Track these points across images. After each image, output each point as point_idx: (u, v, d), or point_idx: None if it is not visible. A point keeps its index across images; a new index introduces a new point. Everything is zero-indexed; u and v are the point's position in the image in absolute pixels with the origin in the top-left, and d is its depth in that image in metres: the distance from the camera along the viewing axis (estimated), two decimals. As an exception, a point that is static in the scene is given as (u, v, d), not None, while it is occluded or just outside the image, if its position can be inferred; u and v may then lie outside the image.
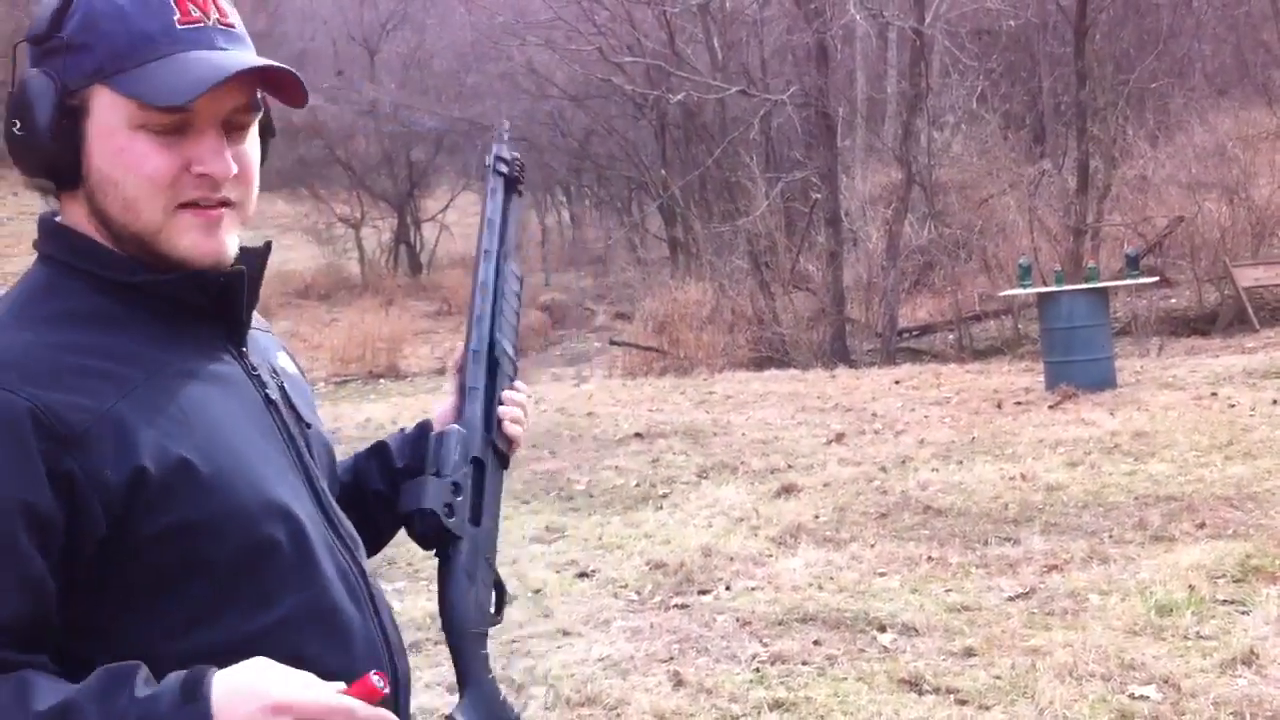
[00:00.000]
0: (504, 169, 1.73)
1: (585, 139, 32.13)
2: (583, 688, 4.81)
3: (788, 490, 8.32)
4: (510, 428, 1.65)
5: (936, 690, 4.55)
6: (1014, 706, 4.32)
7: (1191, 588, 5.44)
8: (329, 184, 32.57)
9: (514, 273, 1.69)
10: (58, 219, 1.34)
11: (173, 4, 1.31)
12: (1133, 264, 12.81)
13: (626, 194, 34.08)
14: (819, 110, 20.32)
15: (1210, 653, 4.68)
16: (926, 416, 11.09)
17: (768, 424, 11.42)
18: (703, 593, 6.14)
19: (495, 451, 1.60)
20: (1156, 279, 16.74)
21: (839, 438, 10.30)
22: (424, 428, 1.69)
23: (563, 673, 5.03)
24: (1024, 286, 12.86)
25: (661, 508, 8.27)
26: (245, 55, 1.35)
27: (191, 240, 1.32)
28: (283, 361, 1.54)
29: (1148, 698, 4.31)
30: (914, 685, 4.60)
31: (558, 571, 6.72)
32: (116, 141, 1.30)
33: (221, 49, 1.32)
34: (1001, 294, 17.52)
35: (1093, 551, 6.22)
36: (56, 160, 1.29)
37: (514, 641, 5.48)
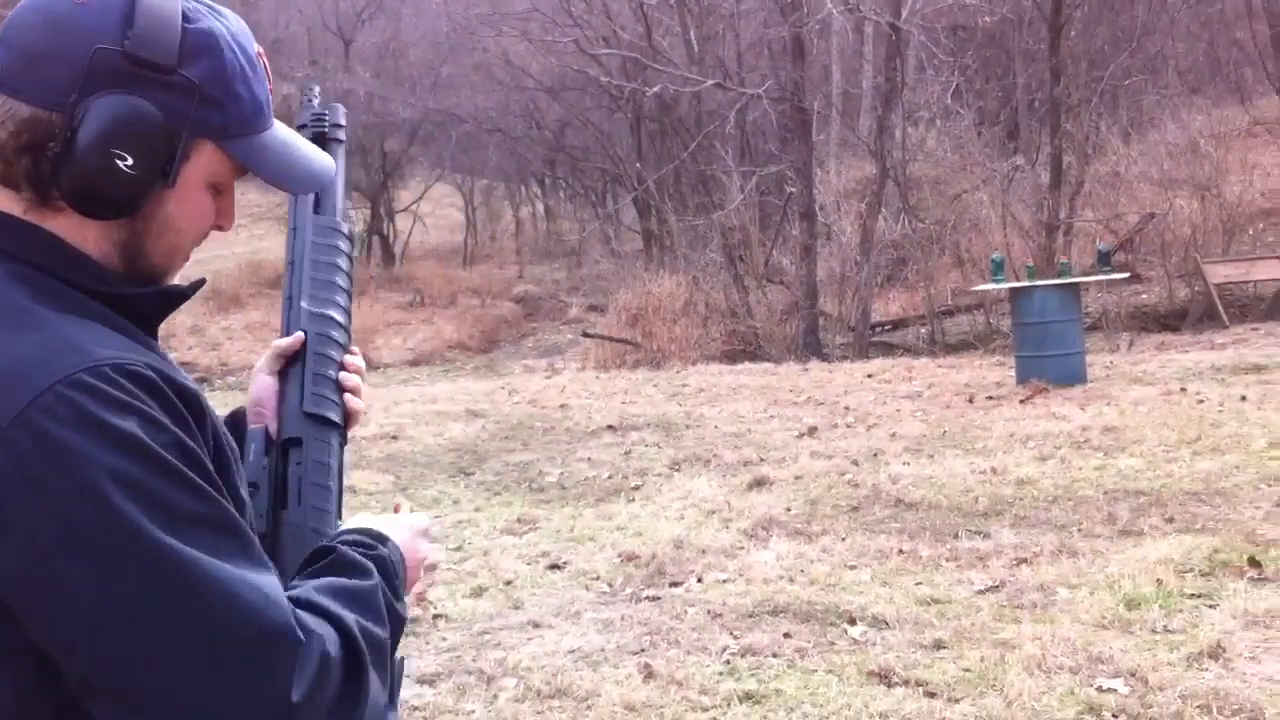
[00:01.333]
0: (307, 133, 1.59)
1: (560, 131, 32.09)
2: (553, 679, 4.80)
3: (759, 483, 8.33)
4: (350, 400, 1.52)
5: (906, 683, 4.56)
6: (983, 699, 4.33)
7: (1159, 582, 5.47)
8: (302, 174, 32.45)
9: (334, 230, 1.58)
10: (42, 227, 1.22)
11: (266, 75, 1.33)
12: (1104, 260, 12.88)
13: (601, 186, 34.05)
14: (794, 104, 20.35)
15: (1177, 646, 4.71)
16: (898, 410, 11.12)
17: (740, 417, 11.43)
18: (674, 585, 6.13)
19: (319, 422, 1.47)
20: (1128, 275, 16.84)
21: (811, 431, 10.32)
22: (236, 418, 1.56)
23: (533, 664, 5.02)
24: (996, 281, 12.92)
25: (633, 500, 8.27)
26: (300, 136, 1.40)
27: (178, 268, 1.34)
28: None
29: (1115, 691, 4.33)
30: (884, 678, 4.61)
31: (529, 563, 6.71)
32: (195, 196, 1.29)
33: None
34: (974, 289, 17.61)
35: (1062, 545, 6.25)
36: (133, 196, 1.22)
37: (484, 633, 5.47)
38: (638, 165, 26.36)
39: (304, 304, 1.52)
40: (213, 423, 1.24)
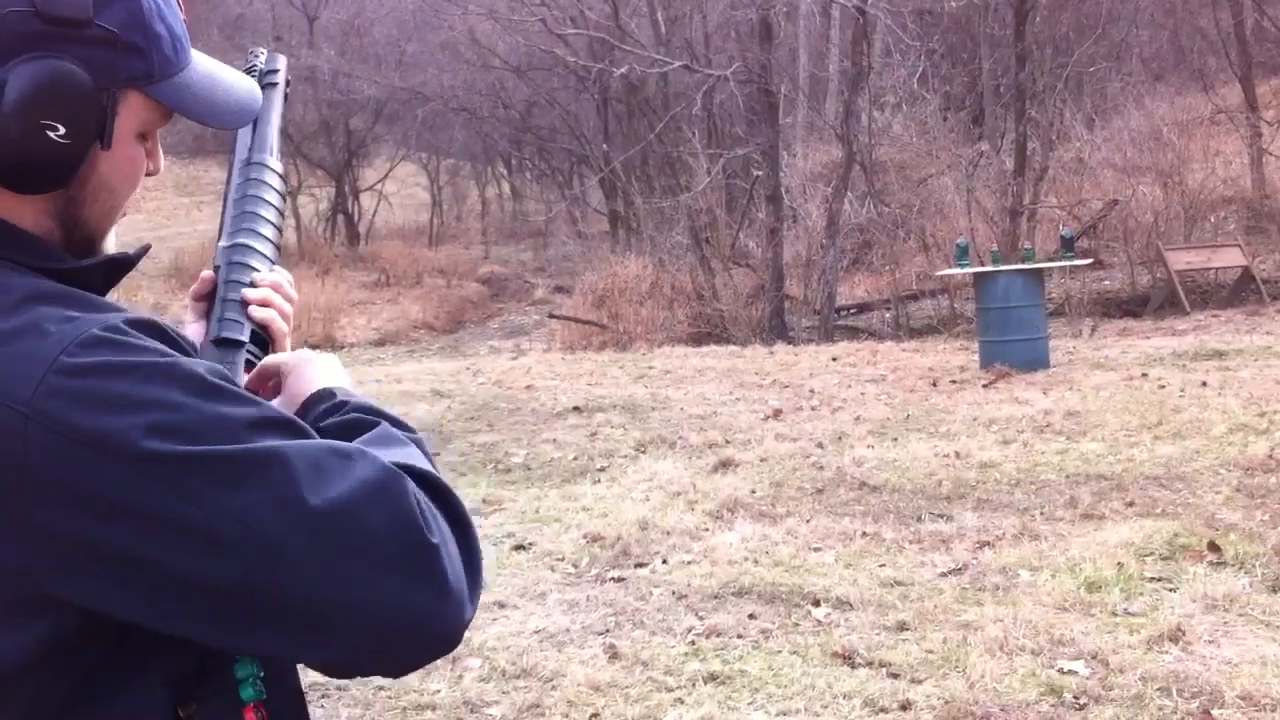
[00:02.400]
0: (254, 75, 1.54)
1: (527, 111, 31.98)
2: (518, 659, 4.81)
3: (725, 465, 8.35)
4: (256, 312, 1.39)
5: (869, 664, 4.59)
6: (945, 680, 4.37)
7: (1120, 565, 5.53)
8: (266, 151, 32.19)
9: (261, 165, 1.51)
10: None
11: (179, 3, 1.24)
12: (1067, 246, 12.96)
13: (568, 167, 33.96)
14: (761, 87, 20.36)
15: (1138, 629, 4.76)
16: (863, 394, 11.17)
17: (706, 399, 11.45)
18: (639, 566, 6.15)
19: (223, 345, 1.36)
20: (1090, 261, 16.95)
21: (776, 414, 10.35)
22: None
23: (499, 644, 5.02)
24: (961, 266, 12.98)
25: (599, 481, 8.27)
26: (223, 65, 1.30)
27: (113, 232, 1.26)
28: None
29: (1076, 673, 4.37)
30: (847, 659, 4.64)
31: (495, 544, 6.70)
32: (127, 151, 1.20)
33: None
34: (939, 273, 17.68)
35: (1024, 528, 6.30)
36: (67, 163, 1.14)
37: (449, 613, 5.47)
38: (604, 146, 26.31)
39: (220, 242, 1.45)
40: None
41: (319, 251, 31.26)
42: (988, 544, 6.11)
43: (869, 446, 8.71)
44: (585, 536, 6.69)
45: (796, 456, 8.51)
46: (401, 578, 1.04)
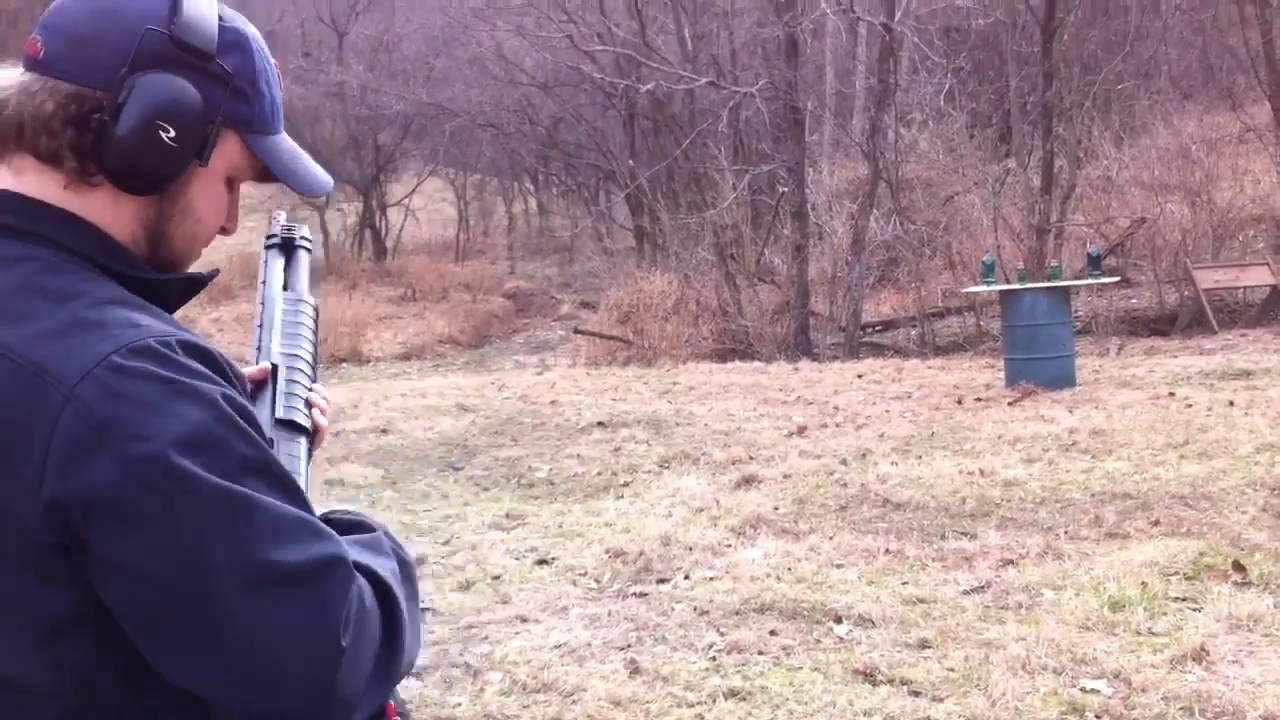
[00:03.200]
0: (275, 241, 1.79)
1: (554, 127, 32.07)
2: (539, 674, 4.81)
3: (748, 481, 8.35)
4: (316, 415, 1.58)
5: (891, 681, 4.58)
6: (966, 698, 4.35)
7: (1144, 584, 5.50)
8: (295, 166, 32.38)
9: (301, 301, 1.73)
10: (81, 218, 1.28)
11: (280, 82, 1.43)
12: (1094, 263, 12.91)
13: (594, 183, 34.04)
14: (788, 104, 20.38)
15: (1161, 649, 4.74)
16: (887, 411, 11.14)
17: (730, 415, 11.45)
18: (661, 581, 6.15)
19: (289, 426, 1.54)
20: (1117, 279, 16.89)
21: (800, 430, 10.34)
22: None
23: (519, 658, 5.03)
24: (987, 284, 12.95)
25: (622, 497, 8.28)
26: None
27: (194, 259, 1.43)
28: None
29: (1099, 692, 4.35)
30: (868, 676, 4.63)
31: (517, 558, 6.72)
32: (217, 186, 1.37)
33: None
34: (964, 291, 17.65)
35: (1048, 547, 6.28)
36: (158, 172, 1.29)
37: (471, 627, 5.48)
38: (630, 162, 26.35)
39: (274, 347, 1.63)
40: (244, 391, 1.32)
41: (346, 266, 31.44)
42: (1011, 562, 6.09)
43: (893, 464, 8.69)
44: (608, 551, 6.70)
45: (820, 473, 8.50)
46: (298, 660, 1.15)
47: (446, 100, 30.98)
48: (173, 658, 1.15)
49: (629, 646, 5.16)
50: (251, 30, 1.37)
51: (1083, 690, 4.37)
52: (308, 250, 1.80)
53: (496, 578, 6.33)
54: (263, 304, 1.70)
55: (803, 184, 20.12)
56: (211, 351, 1.23)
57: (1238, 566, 5.68)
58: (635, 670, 4.81)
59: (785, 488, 8.14)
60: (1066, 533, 6.59)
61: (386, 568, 1.29)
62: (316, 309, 1.75)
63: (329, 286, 26.79)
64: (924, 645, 4.97)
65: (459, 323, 26.68)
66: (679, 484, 8.42)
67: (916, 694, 4.45)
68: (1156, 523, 6.63)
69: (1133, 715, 4.14)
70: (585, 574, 6.36)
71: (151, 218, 1.32)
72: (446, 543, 7.14)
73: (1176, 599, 5.37)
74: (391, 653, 1.24)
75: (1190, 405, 10.06)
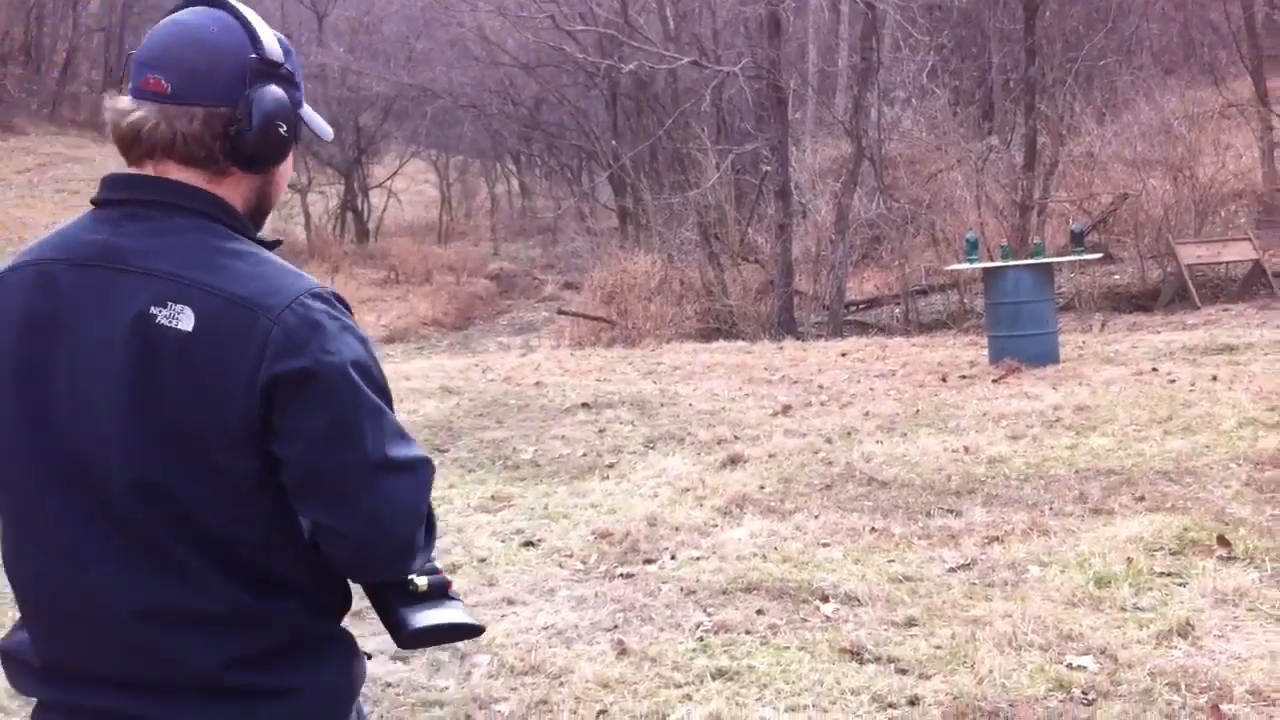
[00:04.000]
0: None
1: (536, 107, 31.99)
2: (527, 656, 4.81)
3: (733, 461, 8.35)
4: None
5: (878, 659, 4.59)
6: (954, 676, 4.36)
7: (1130, 560, 5.51)
8: (275, 149, 32.21)
9: None
10: (225, 199, 1.79)
11: None
12: (1077, 240, 12.92)
13: (577, 163, 33.98)
14: (770, 83, 20.32)
15: (1147, 624, 4.75)
16: (872, 389, 11.15)
17: (715, 395, 11.45)
18: (648, 562, 6.15)
19: None
20: (1100, 255, 16.94)
21: (785, 409, 10.35)
22: None
23: (507, 641, 5.03)
24: (970, 261, 12.95)
25: (608, 477, 8.27)
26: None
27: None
28: None
29: (1085, 668, 4.36)
30: (855, 654, 4.64)
31: (503, 540, 6.71)
32: (291, 157, 1.91)
33: None
34: (948, 268, 17.67)
35: (1033, 523, 6.29)
36: (278, 155, 1.83)
37: (458, 610, 5.47)
38: (613, 143, 26.31)
39: None
40: None
41: (328, 249, 31.32)
42: (997, 539, 6.10)
43: (878, 442, 8.70)
44: (594, 533, 6.69)
45: (805, 452, 8.51)
46: (401, 520, 1.74)
47: (428, 81, 30.87)
48: (320, 508, 1.70)
49: (616, 628, 5.16)
50: (280, 35, 1.88)
51: (1069, 666, 4.38)
52: None
53: (483, 560, 6.32)
54: None
55: (786, 163, 20.10)
56: (345, 300, 1.79)
57: (1222, 541, 5.69)
58: (623, 651, 4.81)
59: (770, 467, 8.14)
60: (1051, 509, 6.60)
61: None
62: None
63: (311, 269, 26.63)
64: (910, 623, 4.97)
65: (442, 305, 26.63)
66: (664, 464, 8.42)
67: (903, 672, 4.46)
68: (1141, 498, 6.65)
69: (1119, 691, 4.15)
70: (571, 555, 6.36)
71: (258, 188, 1.85)
72: (432, 525, 7.11)
73: (1162, 574, 5.39)
74: (432, 527, 1.83)
75: (1173, 381, 10.09)
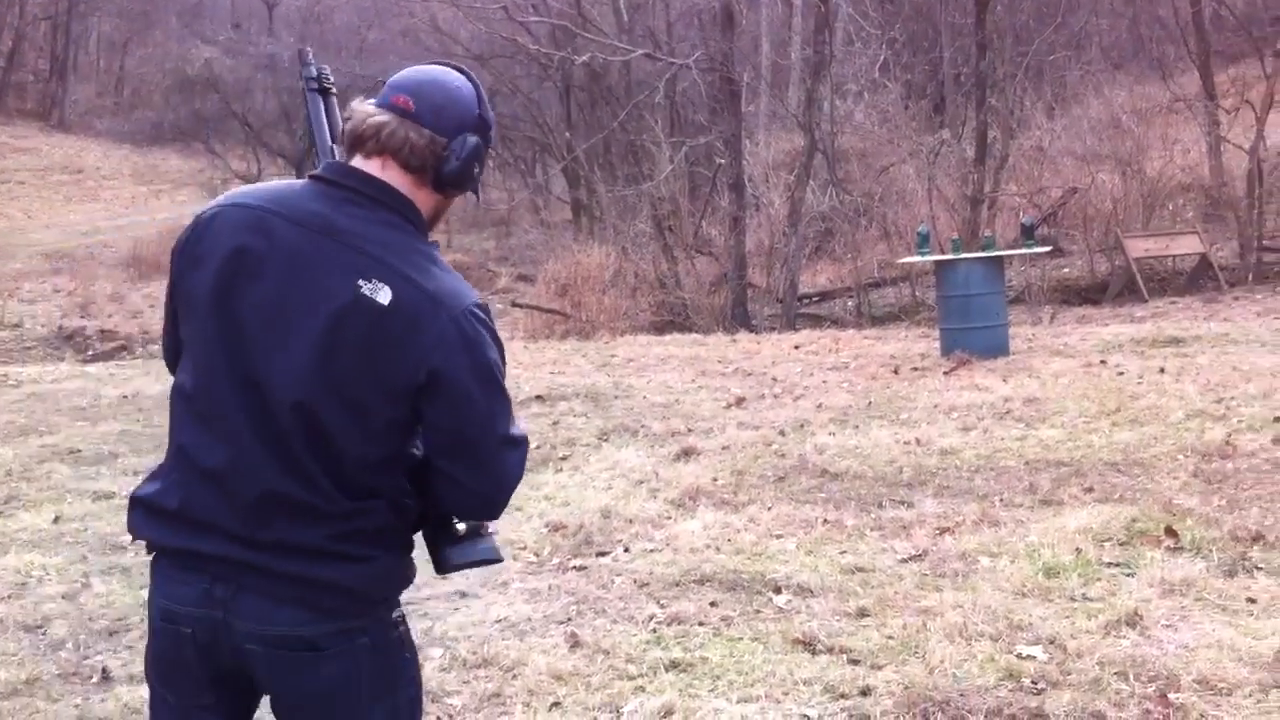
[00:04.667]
0: (315, 86, 2.58)
1: (489, 99, 31.79)
2: (480, 649, 4.79)
3: (687, 453, 8.36)
4: None
5: (830, 650, 4.60)
6: (905, 666, 4.39)
7: (1078, 550, 5.56)
8: (225, 139, 31.91)
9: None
10: (410, 197, 2.28)
11: None
12: (1028, 233, 13.03)
13: (530, 156, 33.87)
14: (724, 75, 20.35)
15: (1096, 614, 4.79)
16: (825, 381, 11.19)
17: (669, 387, 11.46)
18: (601, 554, 6.14)
19: None
20: (1050, 248, 17.08)
21: (739, 402, 10.37)
22: None
23: (460, 634, 5.01)
24: (922, 254, 13.02)
25: (561, 470, 8.26)
26: None
27: None
28: None
29: (1035, 657, 4.40)
30: (808, 645, 4.65)
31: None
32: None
33: None
34: (900, 261, 17.76)
35: (984, 515, 6.33)
36: (465, 187, 2.34)
37: (410, 604, 5.41)
38: (567, 135, 26.26)
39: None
40: None
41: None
42: (948, 530, 6.14)
43: (831, 434, 8.73)
44: (547, 525, 6.68)
45: (758, 444, 8.53)
46: (512, 479, 2.31)
47: (380, 72, 30.58)
48: (461, 467, 2.26)
49: (569, 620, 5.15)
50: None
51: (1019, 656, 4.41)
52: (334, 93, 2.61)
53: (435, 553, 6.29)
54: (313, 138, 2.50)
55: (739, 156, 20.13)
56: (490, 310, 2.31)
57: (1170, 532, 5.76)
58: (576, 644, 4.80)
59: (724, 459, 8.16)
60: (1002, 500, 6.65)
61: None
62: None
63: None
64: (862, 614, 4.99)
65: (395, 297, 26.42)
66: (618, 457, 8.41)
67: (855, 662, 4.48)
68: (1090, 489, 6.71)
69: (1068, 680, 4.19)
70: (525, 548, 6.34)
71: (439, 204, 2.36)
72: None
73: (1110, 565, 5.44)
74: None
75: (1122, 373, 10.19)
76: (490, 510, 2.34)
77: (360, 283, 2.14)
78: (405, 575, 2.36)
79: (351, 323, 2.13)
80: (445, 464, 2.25)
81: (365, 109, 2.27)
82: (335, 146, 2.43)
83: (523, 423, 2.37)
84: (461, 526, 2.38)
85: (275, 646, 2.20)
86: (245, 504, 2.17)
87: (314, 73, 2.57)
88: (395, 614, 2.38)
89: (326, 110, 2.53)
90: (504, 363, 2.28)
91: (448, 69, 2.37)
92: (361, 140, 2.25)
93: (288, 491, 2.17)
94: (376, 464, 2.22)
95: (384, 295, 2.13)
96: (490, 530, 2.42)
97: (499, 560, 2.42)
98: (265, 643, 2.20)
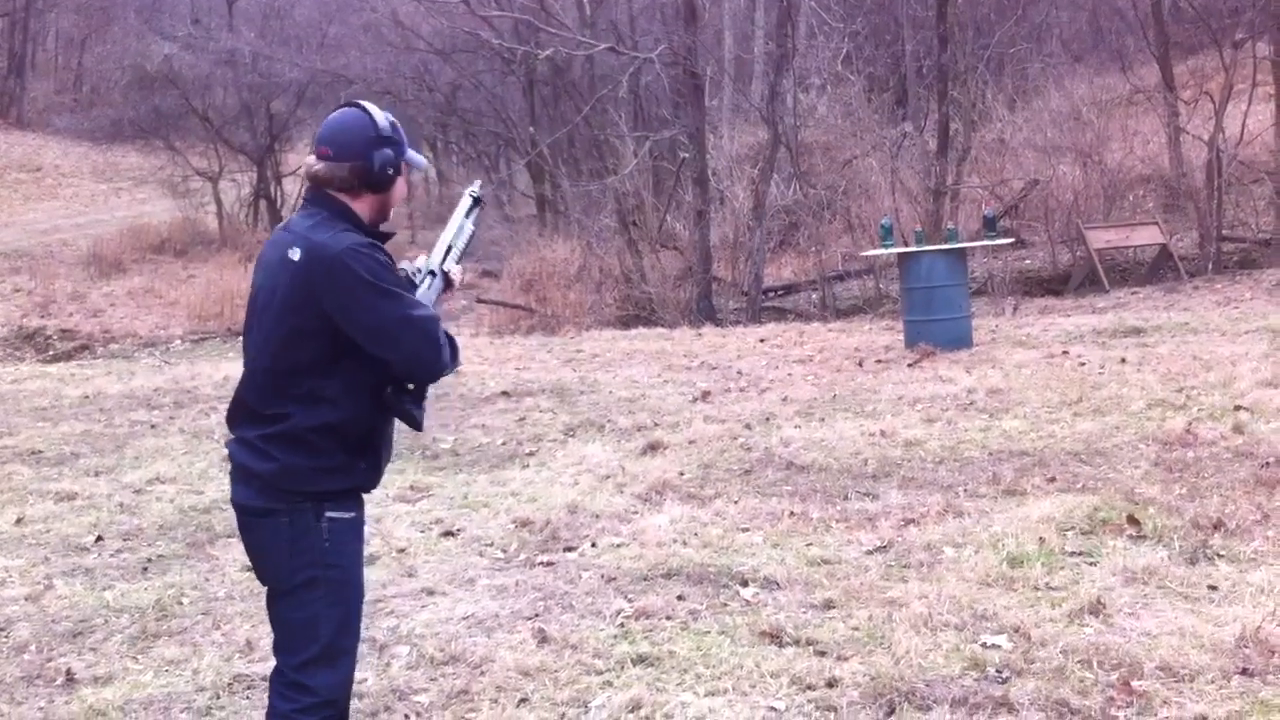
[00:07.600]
0: (475, 197, 3.60)
1: (452, 94, 31.71)
2: (447, 646, 4.79)
3: (654, 448, 8.36)
4: (452, 270, 3.46)
5: (797, 642, 4.62)
6: (871, 657, 4.41)
7: (1042, 540, 5.61)
8: (185, 135, 31.56)
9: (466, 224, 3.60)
10: (352, 206, 3.20)
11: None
12: (990, 225, 13.10)
13: (494, 150, 33.78)
14: (687, 69, 20.34)
15: (1059, 603, 4.83)
16: (790, 374, 11.23)
17: (635, 382, 11.47)
18: (568, 550, 6.14)
19: (432, 274, 3.40)
20: (1012, 240, 17.17)
21: (705, 395, 10.39)
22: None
23: (427, 631, 5.00)
24: (885, 247, 13.08)
25: (528, 466, 8.25)
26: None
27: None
28: None
29: (999, 647, 4.43)
30: (775, 637, 4.67)
31: (422, 531, 6.66)
32: (401, 184, 3.29)
33: None
34: (864, 254, 17.83)
35: (948, 505, 6.37)
36: (388, 185, 3.22)
37: (378, 601, 5.42)
38: (531, 129, 26.18)
39: (438, 252, 3.46)
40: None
41: (241, 237, 30.76)
42: (912, 521, 6.17)
43: (796, 427, 8.76)
44: (514, 521, 6.67)
45: (725, 438, 8.55)
46: (429, 351, 3.13)
47: (341, 67, 30.47)
48: (383, 348, 3.08)
49: (537, 616, 5.15)
50: (390, 117, 3.25)
51: (984, 645, 4.45)
52: (483, 203, 3.67)
53: (402, 551, 6.28)
54: (456, 230, 3.52)
55: (703, 150, 20.13)
56: (380, 246, 3.19)
57: (1132, 521, 5.81)
58: (543, 639, 4.80)
59: (690, 453, 8.17)
60: (966, 491, 6.70)
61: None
62: (475, 229, 3.62)
63: (223, 259, 26.29)
64: (829, 606, 5.02)
65: (360, 293, 26.28)
66: (585, 452, 8.41)
67: (822, 654, 4.50)
68: (1053, 479, 6.77)
69: (1032, 669, 4.22)
70: (492, 544, 6.33)
71: (378, 203, 3.24)
72: (350, 516, 7.02)
73: (1073, 554, 5.49)
74: (455, 350, 3.23)
75: (1084, 363, 10.27)
76: (425, 372, 3.17)
77: (287, 251, 3.12)
78: (310, 479, 3.12)
79: (285, 278, 3.11)
80: (375, 350, 3.09)
81: (309, 161, 3.22)
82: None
83: (424, 309, 3.17)
84: (411, 386, 3.21)
85: (239, 512, 3.22)
86: (244, 394, 3.22)
87: (479, 194, 3.63)
88: (326, 511, 3.15)
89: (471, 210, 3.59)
90: (387, 277, 3.10)
91: (346, 110, 3.26)
92: (316, 182, 3.22)
93: (244, 397, 3.21)
94: (317, 371, 3.10)
95: (295, 253, 3.10)
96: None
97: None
98: (234, 508, 3.24)
